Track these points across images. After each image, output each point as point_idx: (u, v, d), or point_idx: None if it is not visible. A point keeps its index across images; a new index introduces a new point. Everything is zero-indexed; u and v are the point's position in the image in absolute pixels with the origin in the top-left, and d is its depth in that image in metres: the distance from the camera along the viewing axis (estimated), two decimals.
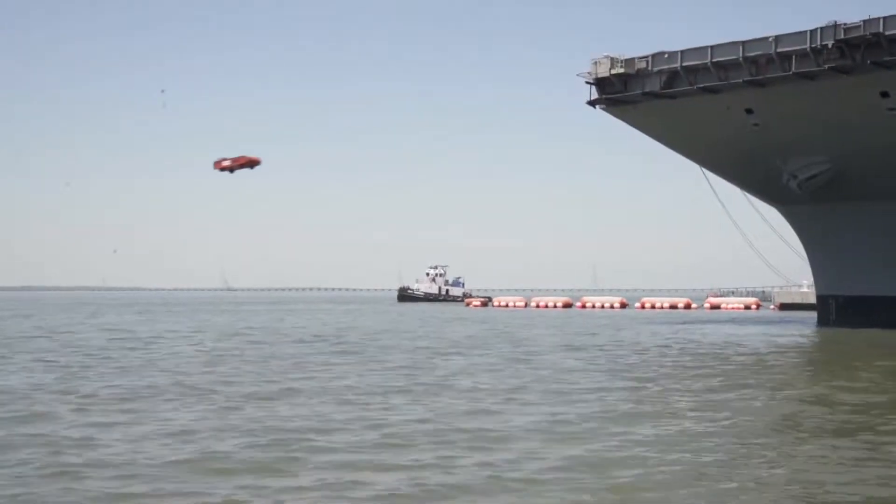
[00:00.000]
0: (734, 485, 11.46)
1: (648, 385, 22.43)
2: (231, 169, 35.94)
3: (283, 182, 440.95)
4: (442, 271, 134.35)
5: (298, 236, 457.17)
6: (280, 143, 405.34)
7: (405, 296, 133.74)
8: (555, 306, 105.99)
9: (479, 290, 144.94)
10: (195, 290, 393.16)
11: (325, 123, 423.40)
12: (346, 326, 54.33)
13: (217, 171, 36.35)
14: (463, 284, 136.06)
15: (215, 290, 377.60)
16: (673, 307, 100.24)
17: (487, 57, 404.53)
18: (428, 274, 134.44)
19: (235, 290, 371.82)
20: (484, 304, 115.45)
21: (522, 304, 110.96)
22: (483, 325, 56.45)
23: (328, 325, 56.68)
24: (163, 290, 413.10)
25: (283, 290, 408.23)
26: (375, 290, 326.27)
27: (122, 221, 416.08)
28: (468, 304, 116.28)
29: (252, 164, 35.89)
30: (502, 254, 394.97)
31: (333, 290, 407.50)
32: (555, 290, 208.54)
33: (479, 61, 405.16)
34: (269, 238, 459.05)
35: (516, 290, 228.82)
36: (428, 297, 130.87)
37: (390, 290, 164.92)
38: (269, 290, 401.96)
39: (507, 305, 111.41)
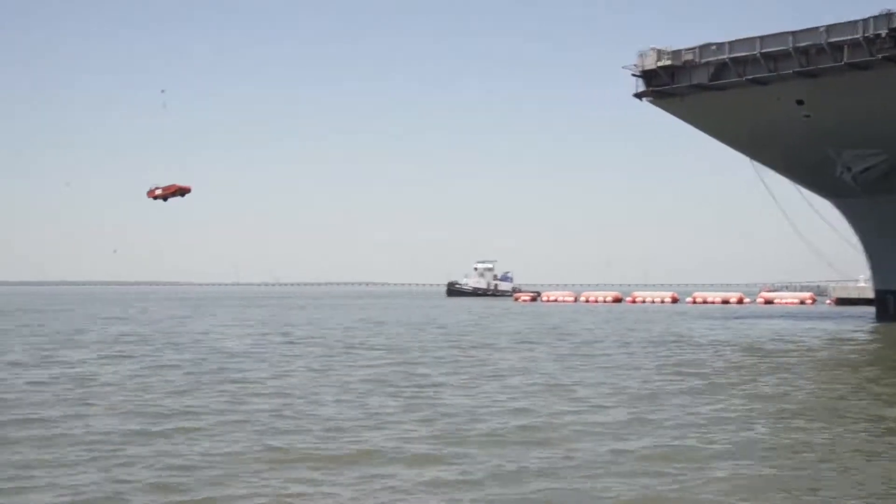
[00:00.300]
0: (792, 475, 11.38)
1: (704, 381, 22.22)
2: (164, 197, 37.42)
3: (325, 178, 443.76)
4: (490, 266, 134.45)
5: (344, 231, 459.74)
6: (324, 140, 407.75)
7: (454, 290, 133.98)
8: (604, 301, 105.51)
9: (527, 284, 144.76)
10: (241, 285, 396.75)
11: (374, 121, 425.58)
12: (394, 321, 54.54)
13: (151, 200, 37.93)
14: (511, 279, 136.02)
15: (262, 285, 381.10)
16: (725, 302, 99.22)
17: (534, 54, 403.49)
18: (476, 269, 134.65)
19: (284, 284, 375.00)
20: (533, 299, 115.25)
21: (571, 298, 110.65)
22: (534, 320, 56.37)
23: (377, 320, 56.94)
24: (208, 284, 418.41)
25: (331, 284, 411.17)
26: (424, 285, 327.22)
27: (167, 215, 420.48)
28: (517, 299, 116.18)
29: (182, 192, 37.78)
30: (551, 249, 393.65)
31: (382, 285, 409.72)
32: (604, 285, 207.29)
33: (530, 59, 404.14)
34: (315, 233, 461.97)
35: (565, 284, 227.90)
36: (476, 292, 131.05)
37: (438, 285, 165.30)
38: (316, 284, 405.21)
39: (555, 300, 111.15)
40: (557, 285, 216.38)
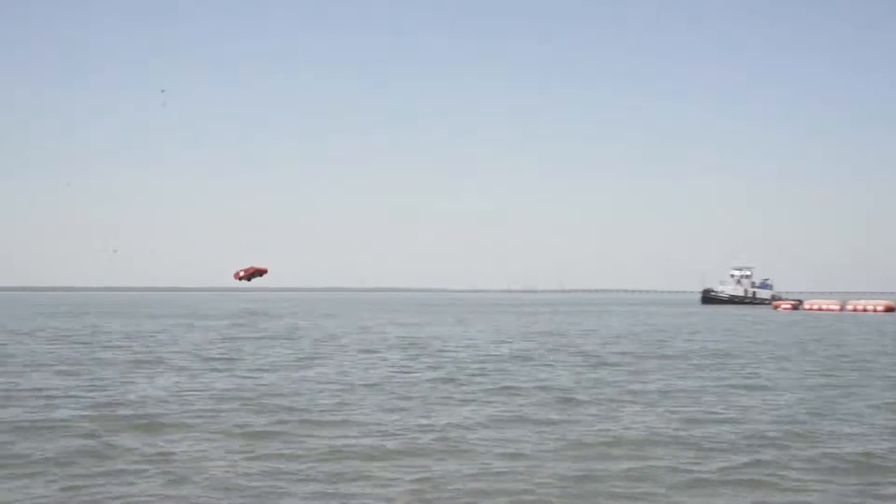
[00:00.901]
0: None
1: None
2: (248, 278, 42.51)
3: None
4: (748, 272, 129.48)
5: (589, 235, 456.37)
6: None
7: (709, 298, 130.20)
8: (874, 310, 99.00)
9: (788, 292, 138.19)
10: (489, 291, 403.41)
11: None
12: (666, 327, 54.01)
13: (237, 280, 43.18)
14: (771, 286, 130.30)
15: (511, 292, 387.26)
16: None
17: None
18: (733, 275, 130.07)
19: (538, 292, 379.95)
20: (794, 307, 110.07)
21: (837, 307, 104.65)
22: (797, 328, 54.00)
23: (638, 326, 56.63)
24: (458, 291, 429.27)
25: (579, 291, 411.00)
26: (675, 292, 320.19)
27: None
28: (776, 307, 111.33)
29: (261, 273, 42.55)
30: (813, 253, 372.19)
31: (629, 292, 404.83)
32: (876, 294, 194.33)
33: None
34: (567, 238, 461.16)
35: (830, 292, 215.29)
36: (733, 300, 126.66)
37: (691, 292, 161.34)
38: (565, 291, 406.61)
39: (819, 309, 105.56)
40: (817, 293, 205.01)
